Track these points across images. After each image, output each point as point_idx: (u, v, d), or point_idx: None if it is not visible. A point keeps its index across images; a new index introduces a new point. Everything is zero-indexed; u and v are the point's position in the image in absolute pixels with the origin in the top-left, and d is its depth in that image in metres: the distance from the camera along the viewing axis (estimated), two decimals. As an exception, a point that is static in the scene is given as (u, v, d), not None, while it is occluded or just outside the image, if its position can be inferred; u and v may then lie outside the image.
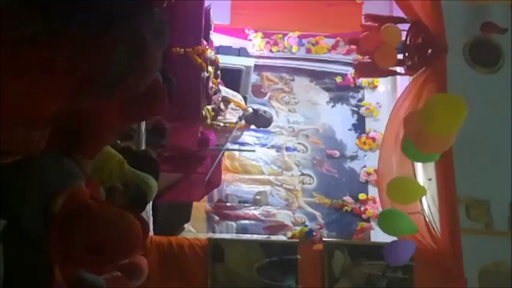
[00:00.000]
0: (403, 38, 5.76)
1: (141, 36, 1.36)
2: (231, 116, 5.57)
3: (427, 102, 3.91)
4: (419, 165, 5.55)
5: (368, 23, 5.99)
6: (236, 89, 6.01)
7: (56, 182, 1.74)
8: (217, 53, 5.70)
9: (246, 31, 7.17)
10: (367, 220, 6.58)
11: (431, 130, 3.52)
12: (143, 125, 4.23)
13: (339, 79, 7.28)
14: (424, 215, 5.37)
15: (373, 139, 6.91)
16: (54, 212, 1.68)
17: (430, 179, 5.55)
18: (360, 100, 7.25)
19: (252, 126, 5.93)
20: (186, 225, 6.12)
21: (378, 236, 5.92)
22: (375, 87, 7.26)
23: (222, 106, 5.48)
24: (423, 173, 5.62)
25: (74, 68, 1.30)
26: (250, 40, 7.18)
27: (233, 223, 6.47)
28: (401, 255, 4.21)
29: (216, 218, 6.46)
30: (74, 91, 1.33)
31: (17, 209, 1.61)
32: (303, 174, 6.86)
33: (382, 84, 7.23)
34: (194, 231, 6.20)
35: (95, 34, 1.33)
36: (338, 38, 7.25)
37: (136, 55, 1.35)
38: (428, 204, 5.45)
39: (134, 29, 1.36)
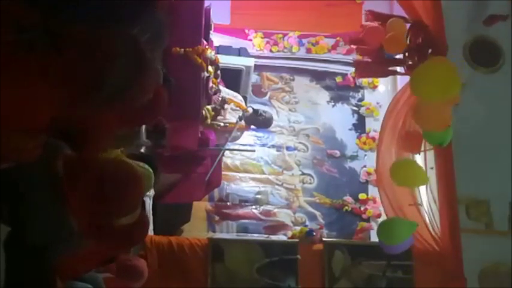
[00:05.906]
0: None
1: (141, 52, 1.36)
2: (230, 116, 5.57)
3: (420, 65, 3.84)
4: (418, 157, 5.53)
5: (369, 22, 5.99)
6: (236, 88, 5.99)
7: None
8: (217, 53, 5.69)
9: (246, 31, 7.17)
10: (367, 220, 6.58)
11: (423, 94, 3.46)
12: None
13: (339, 79, 7.28)
14: (421, 213, 5.37)
15: (373, 139, 6.90)
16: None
17: (432, 168, 5.50)
18: (360, 100, 7.25)
19: (253, 126, 5.92)
20: (186, 225, 6.11)
21: (378, 236, 5.92)
22: (375, 87, 7.26)
23: (224, 106, 5.48)
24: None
25: (72, 78, 1.30)
26: (250, 40, 7.18)
27: (233, 223, 6.47)
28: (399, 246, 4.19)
29: (217, 217, 6.45)
30: (72, 101, 1.33)
31: (18, 217, 1.60)
32: (303, 173, 6.85)
33: (382, 84, 7.23)
34: (194, 230, 6.19)
35: (95, 32, 1.33)
36: (338, 38, 7.25)
37: (136, 70, 1.35)
38: (429, 204, 5.45)
39: (135, 43, 1.36)
